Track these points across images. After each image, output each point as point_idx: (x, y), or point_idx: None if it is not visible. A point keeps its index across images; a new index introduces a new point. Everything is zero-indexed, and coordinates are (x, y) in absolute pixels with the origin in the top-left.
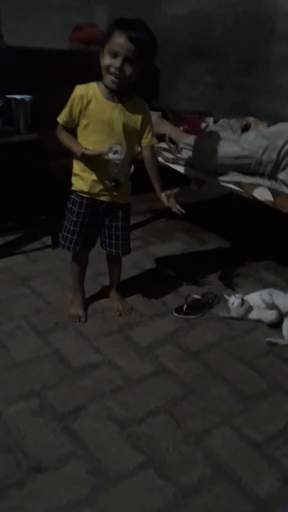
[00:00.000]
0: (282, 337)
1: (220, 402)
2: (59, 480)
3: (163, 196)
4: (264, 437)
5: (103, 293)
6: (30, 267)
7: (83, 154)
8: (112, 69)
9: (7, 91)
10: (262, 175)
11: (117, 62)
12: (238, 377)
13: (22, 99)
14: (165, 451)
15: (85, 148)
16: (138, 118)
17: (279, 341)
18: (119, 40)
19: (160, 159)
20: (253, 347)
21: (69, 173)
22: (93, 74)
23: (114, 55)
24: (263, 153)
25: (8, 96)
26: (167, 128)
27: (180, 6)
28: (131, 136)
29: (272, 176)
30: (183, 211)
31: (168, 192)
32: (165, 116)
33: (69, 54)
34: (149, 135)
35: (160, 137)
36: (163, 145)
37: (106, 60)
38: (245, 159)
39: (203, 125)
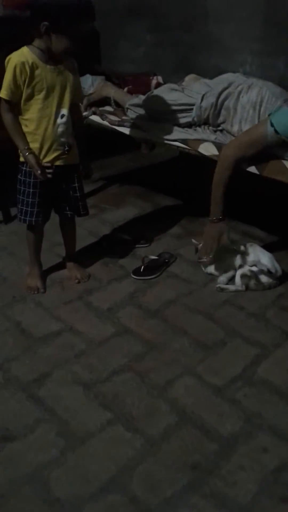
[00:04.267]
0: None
1: (181, 354)
2: (28, 446)
3: None
4: (224, 381)
5: (61, 265)
6: None
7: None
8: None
9: None
10: (205, 124)
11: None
12: (197, 329)
13: None
14: (130, 406)
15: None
16: (72, 77)
17: (229, 286)
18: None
19: (105, 122)
20: (209, 300)
21: (14, 145)
22: (30, 40)
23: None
24: (202, 98)
25: None
26: (111, 90)
27: None
28: (69, 96)
29: (215, 125)
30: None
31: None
32: (108, 79)
33: (2, 21)
34: (79, 93)
35: (105, 101)
36: (109, 108)
37: (65, 43)
38: (187, 106)
39: (154, 82)
